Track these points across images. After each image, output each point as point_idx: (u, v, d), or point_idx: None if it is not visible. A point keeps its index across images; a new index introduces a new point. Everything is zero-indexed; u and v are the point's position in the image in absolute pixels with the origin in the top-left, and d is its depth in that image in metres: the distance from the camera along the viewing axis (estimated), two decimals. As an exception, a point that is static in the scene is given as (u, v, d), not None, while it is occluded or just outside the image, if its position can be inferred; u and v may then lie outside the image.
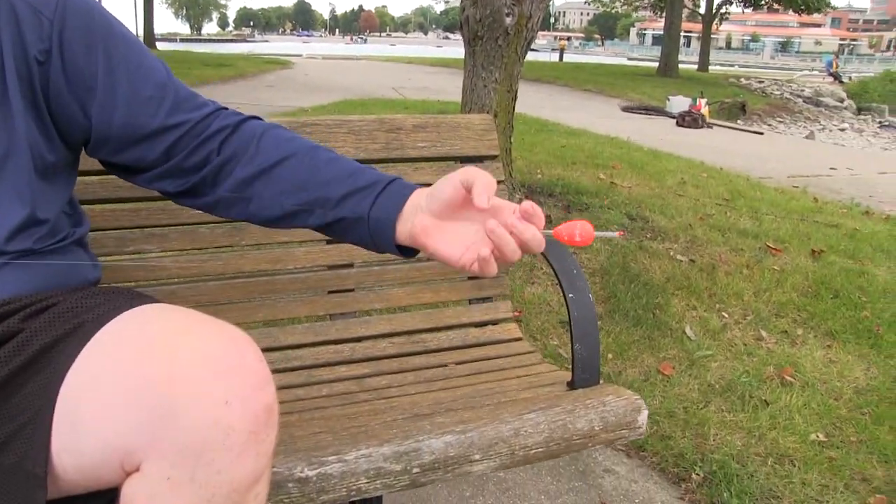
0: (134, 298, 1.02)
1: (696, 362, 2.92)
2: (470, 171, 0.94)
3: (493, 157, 1.95)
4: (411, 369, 1.74)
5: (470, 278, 1.94)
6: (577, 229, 0.95)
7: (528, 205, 0.93)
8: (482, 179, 0.93)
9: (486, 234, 0.93)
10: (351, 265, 1.80)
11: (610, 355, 2.91)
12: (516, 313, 3.13)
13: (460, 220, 0.98)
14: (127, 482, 0.85)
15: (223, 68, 14.50)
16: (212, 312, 1.65)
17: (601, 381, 1.59)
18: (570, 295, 1.56)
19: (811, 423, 2.58)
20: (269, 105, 9.41)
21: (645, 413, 1.49)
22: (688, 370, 2.87)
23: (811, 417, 2.62)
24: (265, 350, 1.68)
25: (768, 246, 4.22)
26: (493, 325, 1.94)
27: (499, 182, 1.92)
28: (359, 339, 1.79)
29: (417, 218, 0.99)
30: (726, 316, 3.36)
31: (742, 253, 4.05)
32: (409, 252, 1.06)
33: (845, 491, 2.26)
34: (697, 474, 2.27)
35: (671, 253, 3.93)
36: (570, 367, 1.58)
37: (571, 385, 1.57)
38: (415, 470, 1.26)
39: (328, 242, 1.78)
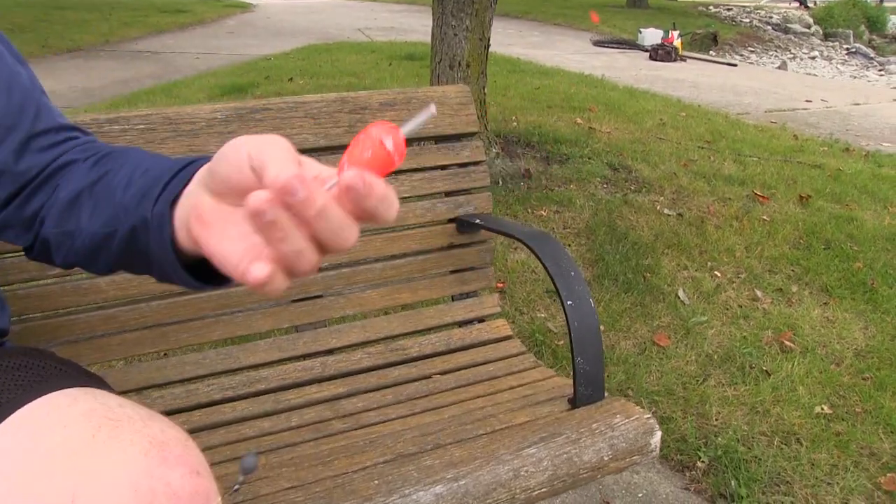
0: (43, 381, 0.81)
1: (691, 330, 2.76)
2: (261, 147, 0.62)
3: (472, 135, 1.73)
4: (391, 385, 1.55)
5: (452, 272, 1.74)
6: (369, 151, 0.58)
7: (353, 178, 0.56)
8: (277, 154, 0.60)
9: (249, 218, 0.59)
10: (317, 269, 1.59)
11: (602, 327, 2.74)
12: (499, 284, 2.94)
13: None
14: None
15: (180, 15, 13.92)
16: (159, 335, 1.44)
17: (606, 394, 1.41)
18: (569, 302, 1.37)
19: (815, 394, 2.45)
20: (231, 53, 8.99)
21: (658, 435, 1.31)
22: (684, 339, 2.71)
23: (814, 387, 2.48)
24: (224, 373, 1.48)
25: (755, 193, 4.05)
26: (480, 322, 1.74)
27: (474, 133, 1.71)
28: (330, 352, 1.59)
29: (192, 199, 0.69)
30: (719, 275, 3.20)
31: (730, 203, 3.87)
32: (210, 278, 0.75)
33: (855, 469, 2.13)
34: (702, 461, 2.13)
35: (658, 207, 3.74)
36: (572, 379, 1.40)
37: (573, 402, 1.39)
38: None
39: (289, 247, 1.56)
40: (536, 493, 1.19)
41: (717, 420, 2.29)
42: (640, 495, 2.01)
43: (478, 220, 1.66)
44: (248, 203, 0.56)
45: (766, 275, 3.24)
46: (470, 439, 1.28)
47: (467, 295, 1.74)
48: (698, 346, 2.67)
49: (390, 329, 1.65)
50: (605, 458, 1.26)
